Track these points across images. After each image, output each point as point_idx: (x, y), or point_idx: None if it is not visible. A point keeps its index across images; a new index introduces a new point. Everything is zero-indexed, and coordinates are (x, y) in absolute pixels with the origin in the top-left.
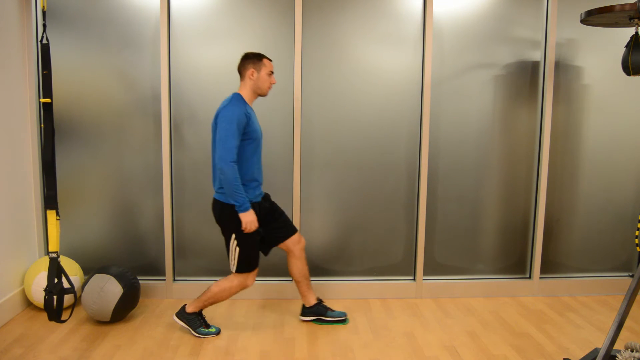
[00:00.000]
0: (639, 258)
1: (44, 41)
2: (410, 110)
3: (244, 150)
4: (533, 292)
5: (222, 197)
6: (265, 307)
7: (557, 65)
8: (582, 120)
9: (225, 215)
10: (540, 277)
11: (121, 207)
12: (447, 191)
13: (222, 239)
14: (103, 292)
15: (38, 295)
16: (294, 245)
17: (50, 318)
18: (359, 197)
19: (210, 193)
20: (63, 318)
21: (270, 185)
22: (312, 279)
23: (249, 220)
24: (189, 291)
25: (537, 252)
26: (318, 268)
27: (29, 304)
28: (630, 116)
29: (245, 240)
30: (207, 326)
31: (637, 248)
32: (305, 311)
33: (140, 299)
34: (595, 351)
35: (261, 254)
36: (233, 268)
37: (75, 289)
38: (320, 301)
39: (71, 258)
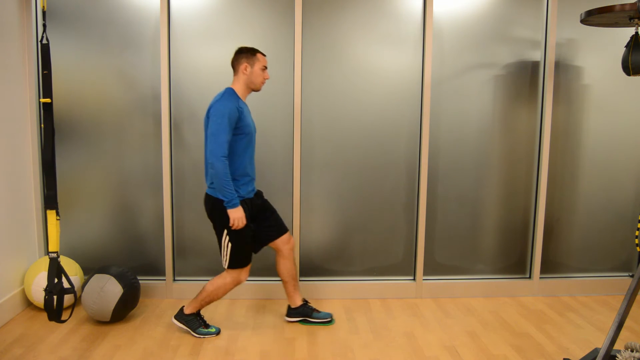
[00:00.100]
0: (639, 258)
1: (44, 41)
2: (410, 110)
3: (236, 145)
4: (533, 292)
5: (214, 192)
6: (265, 307)
7: (557, 65)
8: (582, 120)
9: (217, 211)
10: (540, 277)
11: (121, 207)
12: (447, 191)
13: None
14: (103, 292)
15: (38, 295)
16: (284, 245)
17: (50, 318)
18: (359, 197)
19: None
20: (63, 318)
21: (270, 185)
22: (312, 278)
23: (237, 216)
24: (189, 291)
25: (537, 252)
26: (318, 268)
27: (29, 304)
28: (630, 116)
29: (237, 236)
30: (207, 326)
31: (637, 248)
32: (291, 312)
33: (140, 299)
34: (595, 351)
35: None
36: (225, 264)
37: (75, 289)
38: (306, 302)
39: (71, 258)
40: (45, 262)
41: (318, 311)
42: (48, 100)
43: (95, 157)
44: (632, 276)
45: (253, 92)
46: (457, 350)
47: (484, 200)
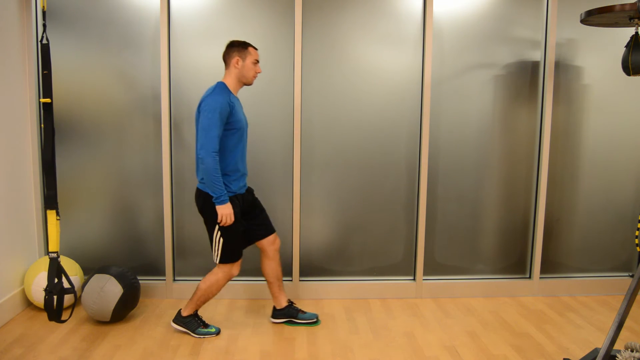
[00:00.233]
0: (639, 258)
1: (44, 41)
2: (410, 110)
3: (228, 141)
4: (533, 292)
5: (205, 187)
6: (265, 307)
7: (557, 65)
8: (582, 120)
9: (209, 206)
10: (540, 277)
11: (121, 207)
12: (447, 191)
13: None
14: (103, 292)
15: (38, 295)
16: (269, 245)
17: (50, 318)
18: (359, 197)
19: None
20: (63, 318)
21: (270, 185)
22: (312, 278)
23: (225, 213)
24: (189, 291)
25: (537, 252)
26: (318, 268)
27: (29, 304)
28: (630, 116)
29: (228, 231)
30: (206, 326)
31: (637, 248)
32: (276, 313)
33: (140, 299)
34: (595, 351)
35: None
36: (217, 259)
37: (75, 289)
38: (291, 303)
39: (71, 258)
40: (45, 262)
41: (304, 312)
42: (48, 100)
43: (95, 157)
44: (632, 276)
45: (252, 91)
46: (457, 350)
47: (484, 200)
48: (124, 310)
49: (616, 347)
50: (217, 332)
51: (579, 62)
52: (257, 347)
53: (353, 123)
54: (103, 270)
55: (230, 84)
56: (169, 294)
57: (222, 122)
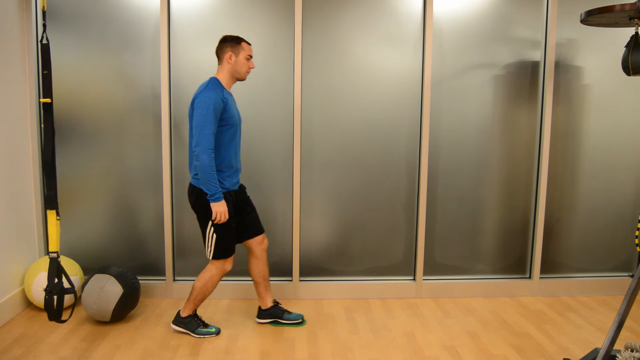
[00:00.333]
0: (639, 258)
1: (44, 41)
2: (410, 110)
3: (222, 137)
4: (533, 292)
5: (198, 183)
6: None
7: (557, 65)
8: (582, 120)
9: (202, 202)
10: (540, 277)
11: (121, 207)
12: (447, 191)
13: None
14: (103, 292)
15: (38, 295)
16: (257, 245)
17: (51, 318)
18: (359, 197)
19: None
20: (63, 318)
21: (270, 185)
22: (312, 278)
23: (220, 210)
24: (189, 291)
25: (537, 252)
26: (318, 268)
27: (29, 304)
28: (630, 116)
29: (222, 227)
30: (205, 325)
31: (637, 248)
32: (262, 313)
33: (140, 299)
34: (595, 351)
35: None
36: (209, 255)
37: (75, 289)
38: (276, 303)
39: (71, 258)
40: (45, 262)
41: (289, 312)
42: (48, 100)
43: (95, 157)
44: (632, 276)
45: (252, 91)
46: (457, 350)
47: (484, 200)
48: (124, 310)
49: (616, 347)
50: (217, 332)
51: (579, 62)
52: (257, 347)
53: (353, 123)
54: (103, 270)
55: (224, 79)
56: (169, 294)
57: (217, 119)
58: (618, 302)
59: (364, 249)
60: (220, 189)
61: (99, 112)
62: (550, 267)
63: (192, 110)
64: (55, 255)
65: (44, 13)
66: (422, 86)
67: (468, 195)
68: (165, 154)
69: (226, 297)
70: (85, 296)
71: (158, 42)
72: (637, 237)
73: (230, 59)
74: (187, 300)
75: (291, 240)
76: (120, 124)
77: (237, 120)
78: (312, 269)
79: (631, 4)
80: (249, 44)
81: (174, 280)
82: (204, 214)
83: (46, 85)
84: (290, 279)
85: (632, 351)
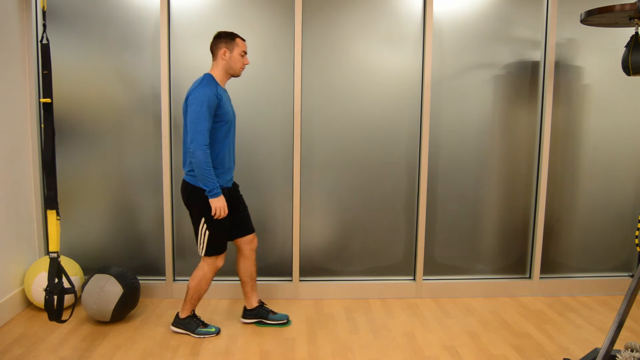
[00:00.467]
0: (639, 258)
1: (44, 41)
2: (410, 110)
3: (216, 133)
4: (533, 292)
5: (192, 180)
6: None
7: (557, 65)
8: (582, 120)
9: (195, 199)
10: (540, 277)
11: (121, 207)
12: (447, 191)
13: None
14: (103, 292)
15: (38, 295)
16: (246, 244)
17: (51, 318)
18: (359, 197)
19: None
20: (63, 318)
21: (270, 185)
22: (312, 278)
23: (219, 205)
24: None
25: (537, 252)
26: (318, 268)
27: (29, 304)
28: (630, 116)
29: (214, 224)
30: (205, 325)
31: (637, 248)
32: (247, 313)
33: (140, 299)
34: (595, 351)
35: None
36: (202, 252)
37: (76, 289)
38: (262, 304)
39: (71, 258)
40: (45, 262)
41: (274, 313)
42: (48, 100)
43: (95, 157)
44: (632, 276)
45: (252, 91)
46: (457, 350)
47: (484, 200)
48: (124, 310)
49: (616, 347)
50: (217, 332)
51: (579, 62)
52: (257, 347)
53: (353, 123)
54: (103, 270)
55: (218, 75)
56: (169, 294)
57: (211, 115)
58: (618, 302)
59: (364, 249)
60: (218, 184)
61: (99, 112)
62: (550, 267)
63: (186, 107)
64: (55, 255)
65: (44, 13)
66: (422, 86)
67: (468, 195)
68: (165, 154)
69: (226, 298)
70: (85, 296)
71: (158, 42)
72: (637, 237)
73: (224, 55)
74: (184, 301)
75: (291, 240)
76: (120, 124)
77: (231, 117)
78: (312, 269)
79: (631, 4)
80: (244, 40)
81: (174, 280)
82: (196, 210)
83: (46, 85)
84: (290, 279)
85: (632, 351)
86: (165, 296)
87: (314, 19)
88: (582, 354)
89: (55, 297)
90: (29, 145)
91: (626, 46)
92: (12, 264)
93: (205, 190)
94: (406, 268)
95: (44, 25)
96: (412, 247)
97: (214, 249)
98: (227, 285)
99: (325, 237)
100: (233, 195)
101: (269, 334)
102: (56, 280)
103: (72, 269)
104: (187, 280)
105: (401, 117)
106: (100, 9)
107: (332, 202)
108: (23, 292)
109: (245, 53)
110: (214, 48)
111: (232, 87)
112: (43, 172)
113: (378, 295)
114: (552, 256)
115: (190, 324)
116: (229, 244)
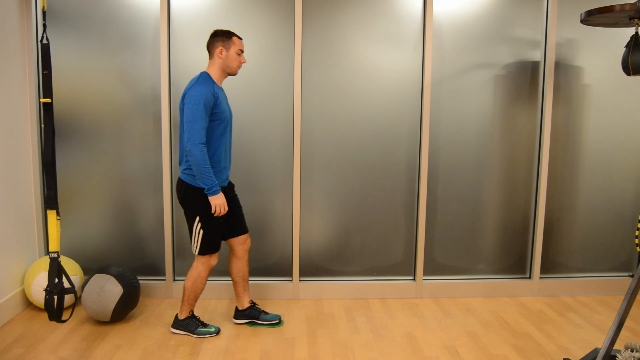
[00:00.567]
0: (639, 258)
1: (44, 41)
2: (410, 110)
3: (212, 132)
4: (533, 292)
5: (187, 179)
6: (264, 307)
7: (557, 65)
8: (582, 120)
9: (190, 197)
10: (540, 277)
11: (121, 207)
12: (447, 191)
13: None
14: (103, 292)
15: (38, 295)
16: (239, 244)
17: (51, 318)
18: (359, 197)
19: None
20: (63, 318)
21: (270, 185)
22: (312, 278)
23: (219, 203)
24: None
25: (537, 252)
26: (318, 268)
27: (29, 304)
28: (630, 116)
29: (209, 223)
30: (204, 325)
31: (637, 248)
32: (238, 314)
33: (140, 299)
34: (595, 351)
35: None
36: (195, 251)
37: (76, 289)
38: (253, 304)
39: (71, 258)
40: (45, 262)
41: (266, 313)
42: (48, 100)
43: (95, 157)
44: (632, 276)
45: (252, 91)
46: (457, 350)
47: (484, 200)
48: (124, 310)
49: (616, 347)
50: (217, 332)
51: (579, 62)
52: (257, 347)
53: (353, 123)
54: (103, 270)
55: (214, 74)
56: (169, 294)
57: (207, 114)
58: (618, 302)
59: (364, 249)
60: (216, 182)
61: (99, 112)
62: (550, 267)
63: (182, 105)
64: (55, 255)
65: (44, 13)
66: (422, 86)
67: (468, 195)
68: (165, 154)
69: (225, 298)
70: (85, 296)
71: (158, 42)
72: (637, 237)
73: (221, 53)
74: (182, 302)
75: (291, 240)
76: (120, 124)
77: (228, 116)
78: (312, 269)
79: (631, 4)
80: (240, 39)
81: (174, 280)
82: (191, 209)
83: (46, 85)
84: (290, 279)
85: (632, 351)
86: (165, 296)
87: (314, 18)
88: (582, 354)
89: (55, 297)
90: (29, 145)
91: (626, 46)
92: (12, 264)
93: (203, 189)
94: (406, 268)
95: (44, 25)
96: (412, 247)
97: (207, 248)
98: (226, 285)
99: (325, 237)
100: (228, 194)
101: (268, 334)
102: (56, 280)
103: (72, 269)
104: None
105: (401, 117)
106: (100, 9)
107: (332, 202)
108: (23, 292)
109: (242, 51)
110: (210, 46)
111: (232, 87)
112: (43, 172)
113: (378, 295)
114: (552, 256)
115: (190, 324)
116: (222, 243)
